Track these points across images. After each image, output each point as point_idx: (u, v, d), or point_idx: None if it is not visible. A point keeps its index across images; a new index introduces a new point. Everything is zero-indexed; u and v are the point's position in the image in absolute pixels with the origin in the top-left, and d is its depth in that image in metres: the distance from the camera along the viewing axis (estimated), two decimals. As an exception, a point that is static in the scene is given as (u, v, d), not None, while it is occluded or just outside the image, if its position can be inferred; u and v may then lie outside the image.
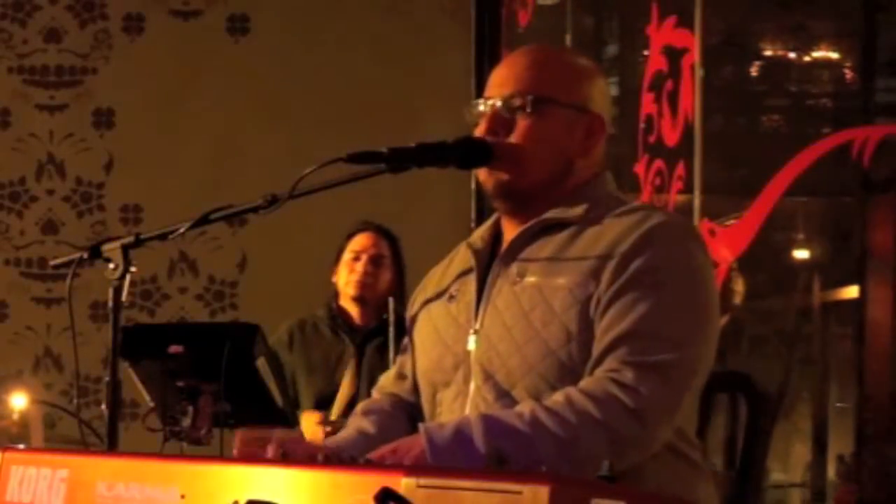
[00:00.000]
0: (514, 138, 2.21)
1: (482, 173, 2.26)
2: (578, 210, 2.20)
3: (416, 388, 2.37)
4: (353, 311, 4.13)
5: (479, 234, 2.33)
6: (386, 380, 2.46)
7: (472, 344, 2.20)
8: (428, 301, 2.35)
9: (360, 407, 2.40)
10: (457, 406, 2.20)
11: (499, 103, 2.23)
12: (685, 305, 2.09)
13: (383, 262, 4.09)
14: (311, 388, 4.03)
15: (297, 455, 1.97)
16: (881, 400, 3.59)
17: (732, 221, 3.99)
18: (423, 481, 1.56)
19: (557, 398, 2.03)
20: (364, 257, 4.09)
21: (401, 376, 2.42)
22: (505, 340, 2.15)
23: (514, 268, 2.20)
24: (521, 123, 2.22)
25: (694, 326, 2.09)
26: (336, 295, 4.17)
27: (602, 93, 2.30)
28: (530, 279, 2.16)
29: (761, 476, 2.31)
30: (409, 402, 2.38)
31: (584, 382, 2.04)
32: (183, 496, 1.79)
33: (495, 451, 1.91)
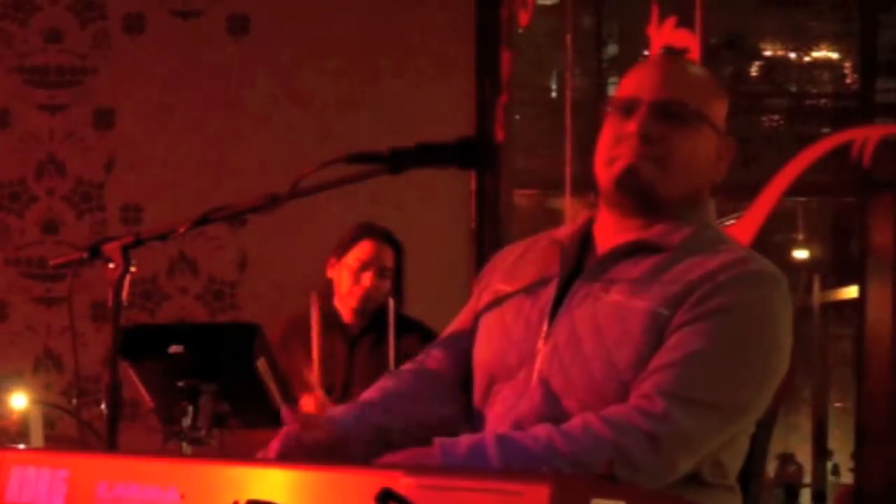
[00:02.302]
0: (665, 146, 2.17)
1: (624, 163, 2.17)
2: (678, 237, 2.17)
3: (455, 362, 2.33)
4: (346, 312, 4.13)
5: (568, 233, 2.28)
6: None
7: (540, 345, 2.17)
8: (499, 290, 2.30)
9: (381, 379, 2.36)
10: (511, 401, 2.17)
11: (657, 105, 2.17)
12: (747, 354, 2.06)
13: (386, 274, 4.09)
14: (304, 388, 4.03)
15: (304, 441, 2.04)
16: (881, 400, 3.60)
17: (732, 221, 3.99)
18: (423, 481, 1.57)
19: (575, 423, 2.01)
20: (371, 270, 4.06)
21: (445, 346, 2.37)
22: (572, 350, 2.12)
23: (599, 283, 2.16)
24: (675, 134, 2.17)
25: (748, 376, 2.06)
26: (329, 292, 4.16)
27: (726, 117, 2.27)
28: (613, 297, 2.12)
29: (761, 476, 2.31)
30: (435, 373, 2.33)
31: (609, 409, 2.02)
32: (183, 496, 1.79)
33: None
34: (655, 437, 1.97)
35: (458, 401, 2.31)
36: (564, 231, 2.31)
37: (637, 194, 2.18)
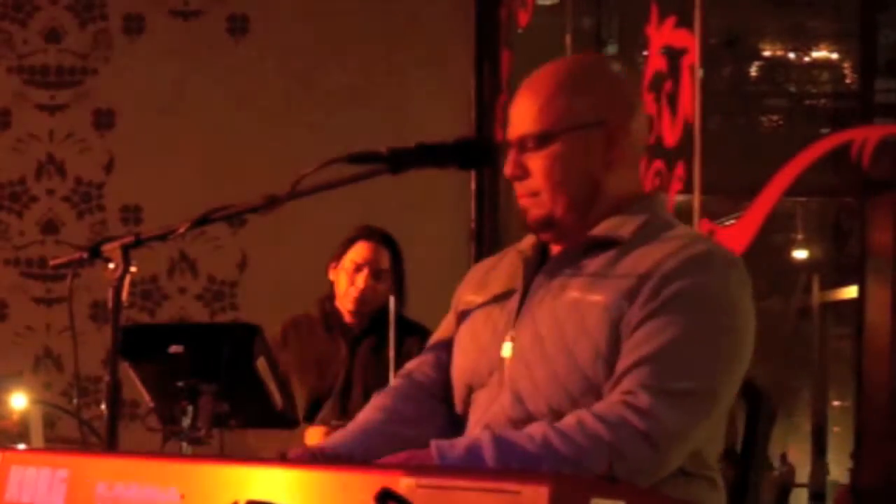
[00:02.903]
0: (534, 179, 2.22)
1: (523, 210, 2.25)
2: (628, 229, 2.19)
3: (443, 373, 2.37)
4: (345, 313, 4.13)
5: (531, 243, 2.32)
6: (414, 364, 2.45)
7: (506, 350, 2.20)
8: (470, 302, 2.34)
9: (374, 399, 2.39)
10: (486, 406, 2.21)
11: (513, 145, 2.23)
12: (714, 336, 2.08)
13: (383, 276, 4.08)
14: (304, 387, 4.04)
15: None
16: (881, 400, 3.60)
17: (732, 221, 3.99)
18: (423, 481, 1.57)
19: (569, 421, 2.03)
20: (365, 271, 4.06)
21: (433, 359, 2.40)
22: (536, 351, 2.15)
23: (557, 281, 2.19)
24: (533, 164, 2.21)
25: (720, 357, 2.08)
26: (331, 294, 4.17)
27: (611, 92, 2.23)
28: (571, 294, 2.16)
29: (760, 477, 2.31)
30: (424, 388, 2.37)
31: (598, 405, 2.04)
32: (183, 496, 1.79)
33: None
34: (648, 435, 2.00)
35: (447, 415, 2.35)
36: (528, 241, 2.34)
37: (544, 231, 2.25)
